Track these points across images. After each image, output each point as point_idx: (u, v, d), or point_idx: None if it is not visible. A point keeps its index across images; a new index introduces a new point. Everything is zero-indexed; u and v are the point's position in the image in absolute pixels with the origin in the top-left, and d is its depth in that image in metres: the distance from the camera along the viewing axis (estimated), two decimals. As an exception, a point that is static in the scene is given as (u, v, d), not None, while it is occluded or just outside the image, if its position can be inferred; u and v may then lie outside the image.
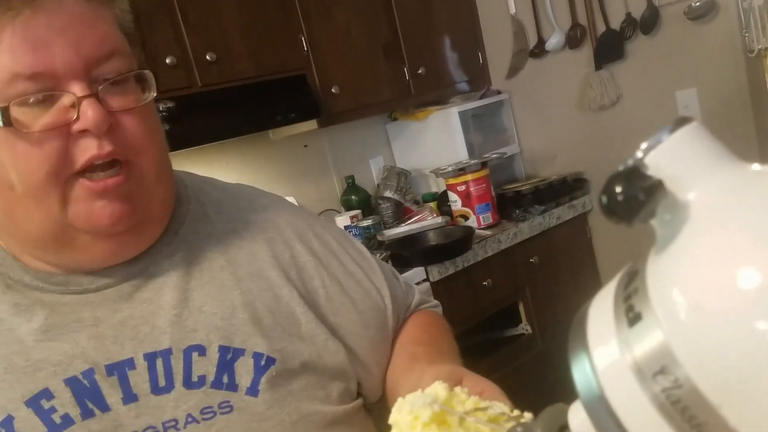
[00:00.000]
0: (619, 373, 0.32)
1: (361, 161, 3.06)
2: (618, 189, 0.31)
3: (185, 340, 0.73)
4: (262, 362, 0.75)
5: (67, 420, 0.68)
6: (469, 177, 2.66)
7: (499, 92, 3.16)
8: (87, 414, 0.69)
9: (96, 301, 0.73)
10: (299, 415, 0.76)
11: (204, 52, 2.23)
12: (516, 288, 2.67)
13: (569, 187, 2.93)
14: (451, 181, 2.70)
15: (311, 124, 2.53)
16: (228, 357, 0.74)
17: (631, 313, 0.32)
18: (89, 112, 0.64)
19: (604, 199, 0.31)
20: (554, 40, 2.91)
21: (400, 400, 0.56)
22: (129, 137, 0.68)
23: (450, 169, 2.70)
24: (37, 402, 0.68)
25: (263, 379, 0.75)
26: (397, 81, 2.81)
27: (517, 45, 3.03)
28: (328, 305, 0.84)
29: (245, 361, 0.75)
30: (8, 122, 0.63)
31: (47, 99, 0.64)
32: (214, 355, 0.74)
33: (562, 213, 2.83)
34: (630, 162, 0.32)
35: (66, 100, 0.64)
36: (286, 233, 0.85)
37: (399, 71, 2.81)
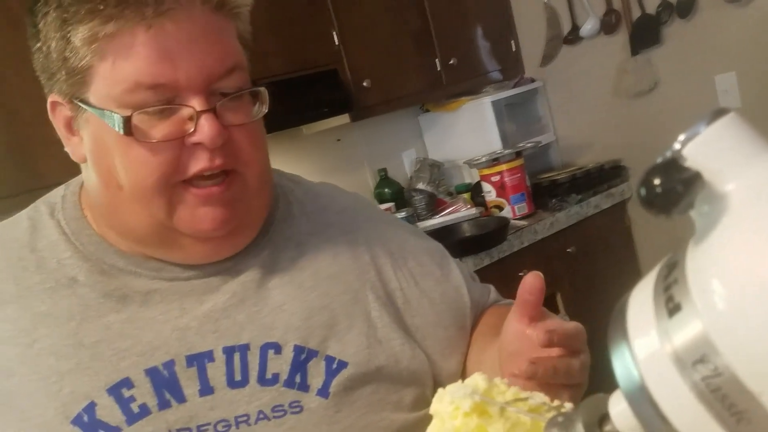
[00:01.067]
0: (659, 362, 0.32)
1: (393, 154, 3.05)
2: (656, 181, 0.31)
3: (263, 337, 0.74)
4: (334, 365, 0.76)
5: (145, 410, 0.70)
6: (503, 167, 2.63)
7: (532, 80, 3.12)
8: (164, 405, 0.70)
9: (184, 291, 0.74)
10: (368, 420, 0.76)
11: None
12: (553, 279, 2.63)
13: (607, 174, 2.88)
14: (485, 171, 2.67)
15: (343, 119, 2.53)
16: (302, 357, 0.75)
17: (670, 304, 0.32)
18: (206, 128, 0.66)
19: (643, 191, 0.31)
20: (588, 26, 2.87)
21: (440, 390, 0.57)
22: (238, 150, 0.70)
23: (484, 159, 2.68)
24: (118, 390, 0.70)
25: (334, 382, 0.75)
26: (428, 72, 2.79)
27: (550, 32, 2.99)
28: (406, 307, 0.83)
29: (318, 362, 0.75)
30: (129, 131, 0.65)
31: (166, 109, 0.66)
32: (288, 354, 0.74)
33: (599, 201, 2.78)
34: (668, 154, 0.32)
35: (185, 112, 0.66)
36: (366, 234, 0.85)
37: (430, 62, 2.79)
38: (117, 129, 0.66)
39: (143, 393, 0.70)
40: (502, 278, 2.48)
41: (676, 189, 0.31)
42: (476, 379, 0.57)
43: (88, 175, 0.74)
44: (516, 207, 2.65)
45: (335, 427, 0.74)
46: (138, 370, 0.71)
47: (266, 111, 0.73)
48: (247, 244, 0.78)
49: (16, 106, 1.92)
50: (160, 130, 0.67)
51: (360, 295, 0.80)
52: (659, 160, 0.32)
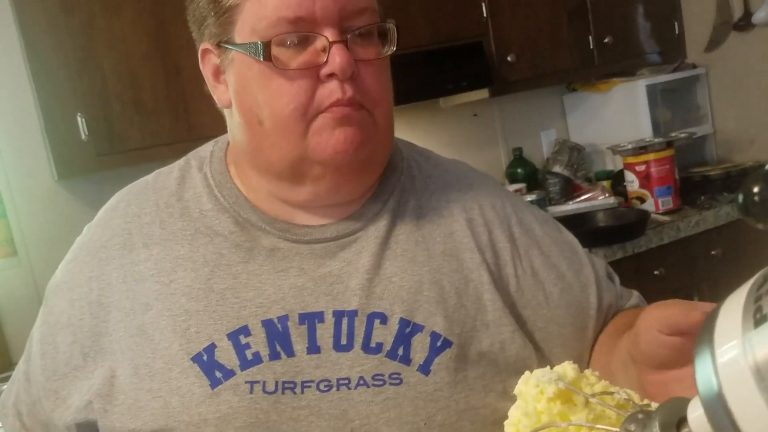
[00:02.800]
0: (738, 372, 0.32)
1: (531, 133, 2.97)
2: (755, 189, 0.32)
3: (371, 305, 0.76)
4: (438, 343, 0.76)
5: (257, 358, 0.73)
6: (651, 156, 2.48)
7: (695, 66, 2.93)
8: (274, 356, 0.73)
9: (305, 252, 0.78)
10: (468, 404, 0.75)
11: (384, 19, 2.24)
12: (692, 281, 2.47)
13: (748, 176, 2.64)
14: (630, 159, 2.53)
15: (482, 93, 2.50)
16: (407, 330, 0.75)
17: (758, 314, 0.32)
18: (337, 57, 0.70)
19: (740, 198, 0.32)
20: (763, 13, 2.66)
21: (527, 373, 0.58)
22: (367, 87, 0.73)
23: (630, 146, 2.54)
24: (236, 336, 0.74)
25: (437, 360, 0.75)
26: (579, 49, 2.68)
27: (719, 16, 2.80)
28: (518, 296, 0.81)
29: (422, 338, 0.75)
30: (268, 57, 0.71)
31: (302, 42, 0.71)
32: (394, 325, 0.75)
33: (755, 204, 2.56)
34: None
35: (319, 43, 0.71)
36: (488, 215, 0.84)
37: (583, 39, 2.68)
38: (258, 57, 0.71)
39: (257, 342, 0.74)
40: (635, 275, 2.38)
41: None
42: (565, 368, 0.58)
43: (232, 120, 0.79)
44: (660, 200, 2.49)
45: (433, 405, 0.74)
46: (256, 320, 0.74)
47: (394, 50, 0.75)
48: (366, 187, 0.80)
49: (178, 63, 2.07)
50: (296, 60, 0.71)
51: (474, 275, 0.79)
52: (767, 167, 0.32)
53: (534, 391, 0.55)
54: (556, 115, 3.04)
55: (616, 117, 2.85)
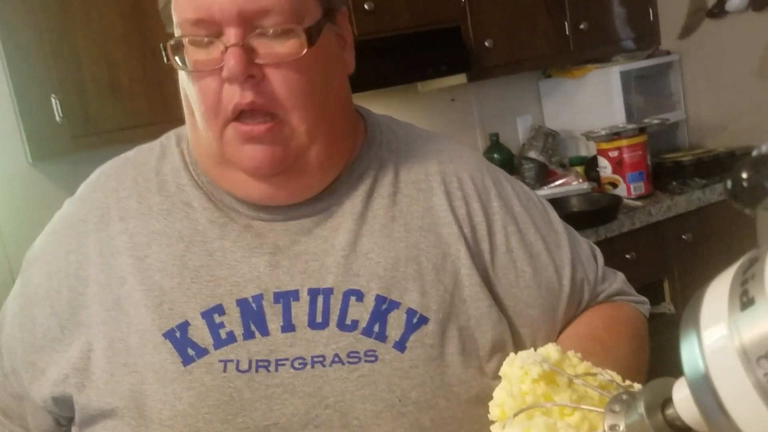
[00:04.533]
0: (725, 354, 0.33)
1: (507, 119, 2.98)
2: (744, 175, 0.32)
3: (347, 282, 0.75)
4: (415, 320, 0.75)
5: (231, 337, 0.73)
6: (623, 142, 2.51)
7: (668, 53, 2.95)
8: (249, 335, 0.73)
9: (279, 230, 0.77)
10: (443, 381, 0.75)
11: (363, 2, 2.24)
12: (663, 265, 2.52)
13: (737, 161, 2.68)
14: (604, 145, 2.56)
15: (460, 78, 2.49)
16: (383, 307, 0.75)
17: (744, 298, 0.33)
18: (231, 60, 0.68)
19: (729, 184, 0.33)
20: (736, 1, 2.67)
21: (512, 354, 0.59)
22: (274, 91, 0.70)
23: (604, 132, 2.57)
24: (210, 315, 0.74)
25: (413, 337, 0.75)
26: (555, 35, 2.69)
27: (693, 3, 2.81)
28: (491, 271, 0.81)
29: (398, 314, 0.75)
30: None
31: (210, 42, 0.70)
32: (370, 302, 0.75)
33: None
34: (763, 148, 0.32)
35: (220, 46, 0.69)
36: (467, 188, 0.83)
37: (559, 25, 2.69)
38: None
39: (232, 321, 0.73)
40: (607, 259, 2.37)
41: (763, 185, 0.31)
42: (549, 349, 0.58)
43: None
44: (632, 186, 2.53)
45: (408, 382, 0.74)
46: (231, 299, 0.74)
47: (304, 52, 0.70)
48: (312, 191, 0.78)
49: (155, 44, 2.02)
50: (203, 60, 0.70)
51: (451, 250, 0.79)
52: (754, 153, 0.33)
53: (519, 372, 0.56)
54: (532, 101, 3.05)
55: (590, 103, 2.87)
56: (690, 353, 0.34)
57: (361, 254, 0.77)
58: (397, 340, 0.74)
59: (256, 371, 0.72)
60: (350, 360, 0.73)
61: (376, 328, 0.74)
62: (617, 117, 2.76)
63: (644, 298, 0.94)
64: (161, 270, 0.75)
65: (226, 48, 0.68)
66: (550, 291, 0.83)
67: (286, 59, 0.70)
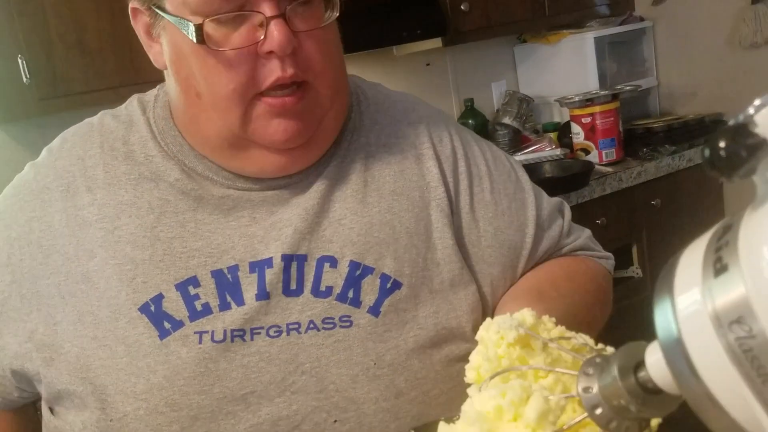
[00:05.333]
0: (697, 318, 0.33)
1: (482, 84, 2.97)
2: (722, 144, 0.32)
3: (320, 249, 0.75)
4: (388, 285, 0.76)
5: (207, 309, 0.73)
6: (596, 109, 2.53)
7: (641, 19, 2.95)
8: (224, 306, 0.73)
9: (256, 200, 0.76)
10: (417, 343, 0.76)
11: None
12: (631, 230, 2.56)
13: (707, 128, 2.72)
14: (577, 111, 2.57)
15: (436, 42, 2.48)
16: (357, 273, 0.75)
17: (718, 264, 0.33)
18: (275, 33, 0.66)
19: (707, 152, 0.32)
20: (711, -34, 2.66)
21: (488, 320, 0.60)
22: (309, 59, 0.70)
23: (577, 98, 2.58)
24: (185, 287, 0.73)
25: (387, 302, 0.75)
26: (531, 0, 2.67)
27: (668, -31, 2.80)
28: (459, 232, 0.81)
29: (372, 280, 0.75)
30: (201, 39, 0.67)
31: (238, 17, 0.67)
32: (344, 268, 0.75)
33: (694, 155, 2.64)
34: (740, 117, 0.32)
35: (256, 19, 0.67)
36: (437, 148, 0.83)
37: (535, -10, 2.67)
38: (190, 37, 0.67)
39: (207, 293, 0.73)
40: (578, 223, 2.43)
41: (740, 154, 0.31)
42: (524, 314, 0.60)
43: (169, 81, 0.76)
44: (604, 152, 2.55)
45: (382, 346, 0.75)
46: (205, 271, 0.73)
47: (337, 15, 0.71)
48: (319, 156, 0.78)
49: (124, 2, 1.97)
50: (232, 39, 0.67)
51: (423, 214, 0.79)
52: (731, 122, 0.32)
53: (495, 336, 0.57)
54: (507, 66, 3.05)
55: (564, 69, 2.87)
56: (663, 318, 0.35)
57: (335, 220, 0.77)
58: (371, 305, 0.75)
59: (232, 341, 0.72)
60: (325, 326, 0.74)
61: (351, 294, 0.75)
62: (591, 83, 2.78)
63: (609, 254, 0.95)
64: (132, 242, 0.74)
65: (268, 21, 0.66)
66: (511, 249, 0.84)
67: (321, 24, 0.70)
